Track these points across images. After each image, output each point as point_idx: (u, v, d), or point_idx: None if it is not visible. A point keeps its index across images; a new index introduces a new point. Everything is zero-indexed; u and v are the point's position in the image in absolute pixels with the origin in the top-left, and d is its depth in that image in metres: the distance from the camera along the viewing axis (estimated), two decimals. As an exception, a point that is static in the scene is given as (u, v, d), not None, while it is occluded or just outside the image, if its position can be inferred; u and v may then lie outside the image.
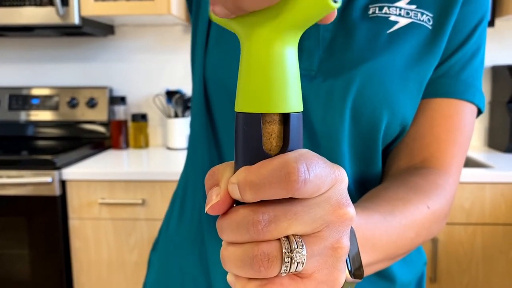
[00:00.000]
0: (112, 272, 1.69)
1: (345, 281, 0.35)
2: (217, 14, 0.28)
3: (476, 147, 2.09)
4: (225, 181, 0.30)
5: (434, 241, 1.60)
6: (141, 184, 1.63)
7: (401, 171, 0.57)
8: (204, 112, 0.62)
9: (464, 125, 0.57)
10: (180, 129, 2.04)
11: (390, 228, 0.45)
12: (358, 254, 0.36)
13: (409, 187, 0.51)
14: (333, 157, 0.55)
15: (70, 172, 1.62)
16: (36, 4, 1.75)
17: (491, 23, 1.93)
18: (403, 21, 0.55)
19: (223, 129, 0.61)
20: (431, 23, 0.56)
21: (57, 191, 1.61)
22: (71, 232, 1.67)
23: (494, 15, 1.91)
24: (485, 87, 2.05)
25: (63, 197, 1.64)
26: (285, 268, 0.28)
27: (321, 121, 0.55)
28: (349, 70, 0.53)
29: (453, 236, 1.61)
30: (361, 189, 0.59)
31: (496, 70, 2.01)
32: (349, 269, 0.34)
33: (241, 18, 0.30)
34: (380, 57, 0.54)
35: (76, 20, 1.75)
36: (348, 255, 0.35)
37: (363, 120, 0.55)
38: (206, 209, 0.30)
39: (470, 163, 1.80)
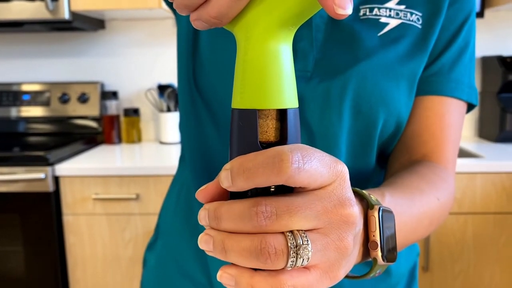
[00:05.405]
0: (107, 267, 1.69)
1: (377, 263, 0.37)
2: (197, 27, 0.30)
3: (467, 137, 2.10)
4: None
5: (426, 231, 1.62)
6: (135, 179, 1.63)
7: (406, 166, 0.58)
8: (191, 111, 0.61)
9: (455, 122, 0.59)
10: (172, 123, 2.04)
11: (412, 215, 0.46)
12: (394, 236, 0.37)
13: (421, 177, 0.52)
14: None
15: (63, 168, 1.62)
16: (25, -1, 1.74)
17: (481, 14, 1.94)
18: (393, 22, 0.56)
19: (212, 131, 0.61)
20: (420, 22, 0.57)
21: (50, 187, 1.60)
22: (65, 228, 1.67)
23: (483, 6, 1.92)
24: (475, 78, 2.06)
25: (56, 193, 1.64)
26: (291, 263, 0.29)
27: (319, 122, 0.55)
28: (344, 71, 0.54)
29: (445, 225, 1.63)
30: (351, 183, 0.59)
31: (486, 61, 2.02)
32: (383, 251, 0.35)
33: (236, 17, 0.30)
34: (374, 57, 0.55)
35: (66, 15, 1.74)
36: (382, 237, 0.35)
37: (360, 119, 0.55)
38: (196, 194, 0.32)
39: (461, 153, 1.82)
